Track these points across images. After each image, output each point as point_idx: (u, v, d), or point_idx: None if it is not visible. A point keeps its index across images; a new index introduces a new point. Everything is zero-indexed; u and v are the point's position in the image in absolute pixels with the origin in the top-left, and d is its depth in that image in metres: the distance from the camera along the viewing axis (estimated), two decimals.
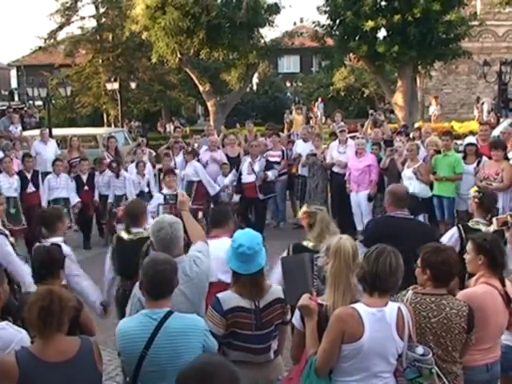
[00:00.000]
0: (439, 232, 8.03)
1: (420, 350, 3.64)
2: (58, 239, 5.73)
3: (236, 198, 11.71)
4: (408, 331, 3.63)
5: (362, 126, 14.76)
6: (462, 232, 5.77)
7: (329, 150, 12.24)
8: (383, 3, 19.72)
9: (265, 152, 12.47)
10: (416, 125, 18.14)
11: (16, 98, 46.40)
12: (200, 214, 7.51)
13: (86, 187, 11.87)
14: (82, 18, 32.93)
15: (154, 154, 14.08)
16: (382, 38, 20.17)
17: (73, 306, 3.42)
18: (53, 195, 11.42)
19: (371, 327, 3.51)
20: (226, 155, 12.52)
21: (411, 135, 13.01)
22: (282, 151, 12.66)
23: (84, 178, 11.94)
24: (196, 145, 13.57)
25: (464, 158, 10.30)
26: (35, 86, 22.42)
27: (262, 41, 22.90)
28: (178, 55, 21.66)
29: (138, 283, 3.92)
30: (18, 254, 6.13)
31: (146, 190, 11.88)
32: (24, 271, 5.69)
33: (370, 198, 11.37)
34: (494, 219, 5.88)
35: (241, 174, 11.51)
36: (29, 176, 11.43)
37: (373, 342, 3.52)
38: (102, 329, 5.54)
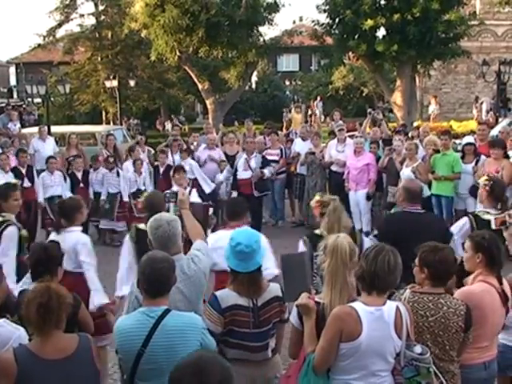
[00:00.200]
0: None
1: (418, 349, 3.64)
2: (76, 229, 5.83)
3: (234, 194, 11.72)
4: (406, 330, 3.63)
5: (361, 124, 14.77)
6: (473, 222, 5.80)
7: (327, 149, 12.24)
8: (382, 2, 19.71)
9: (263, 150, 12.48)
10: (415, 124, 18.14)
11: (15, 95, 46.38)
12: (210, 210, 7.51)
13: (81, 184, 11.80)
14: (81, 16, 32.93)
15: (153, 151, 14.07)
16: (381, 36, 20.17)
17: (70, 303, 3.41)
18: (48, 193, 11.35)
19: (369, 326, 3.52)
20: (225, 153, 12.52)
21: (410, 134, 13.02)
22: (281, 150, 12.66)
23: (79, 175, 11.87)
24: (195, 143, 13.57)
25: (462, 157, 10.32)
26: (34, 84, 22.33)
27: (262, 39, 22.88)
28: (177, 53, 21.64)
29: (135, 281, 3.92)
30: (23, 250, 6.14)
31: (143, 188, 11.86)
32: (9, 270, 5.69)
33: (368, 197, 11.39)
34: (492, 219, 5.88)
35: (236, 171, 11.53)
36: (23, 171, 11.47)
37: (371, 341, 3.52)
38: None
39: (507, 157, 9.67)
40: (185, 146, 12.73)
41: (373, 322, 3.53)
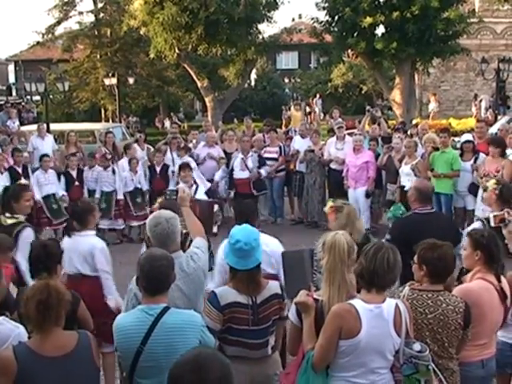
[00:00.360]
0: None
1: (417, 346, 3.65)
2: (90, 233, 5.83)
3: (232, 193, 11.78)
4: (405, 328, 3.64)
5: (360, 122, 14.76)
6: (486, 226, 5.83)
7: (327, 147, 12.25)
8: (382, 0, 19.71)
9: (262, 148, 12.49)
10: (414, 122, 18.14)
11: (14, 92, 46.32)
12: (216, 207, 7.48)
13: (76, 183, 11.70)
14: (80, 13, 32.89)
15: (153, 149, 14.05)
16: (380, 34, 20.20)
17: (69, 300, 3.41)
18: (43, 192, 11.27)
19: (368, 323, 3.52)
20: (224, 151, 12.52)
21: (409, 132, 13.02)
22: (280, 147, 12.65)
23: (73, 173, 11.75)
24: (194, 141, 13.56)
25: (461, 155, 10.30)
26: (33, 81, 22.32)
27: (261, 37, 22.89)
28: (176, 51, 21.62)
29: (134, 278, 3.92)
30: None
31: (139, 186, 11.87)
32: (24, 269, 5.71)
33: (367, 195, 11.39)
34: (491, 215, 5.90)
35: (232, 170, 11.53)
36: (19, 170, 11.46)
37: (370, 338, 3.52)
38: None
39: (504, 155, 9.64)
40: (183, 144, 12.73)
41: (372, 319, 3.53)
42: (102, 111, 33.99)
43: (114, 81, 29.44)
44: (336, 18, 20.46)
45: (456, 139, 11.83)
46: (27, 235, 5.76)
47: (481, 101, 28.24)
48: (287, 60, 49.42)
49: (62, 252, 4.82)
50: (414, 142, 10.83)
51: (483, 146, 10.35)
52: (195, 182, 10.84)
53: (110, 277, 5.74)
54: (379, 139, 12.26)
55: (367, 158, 11.36)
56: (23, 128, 19.53)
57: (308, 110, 34.90)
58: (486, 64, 24.55)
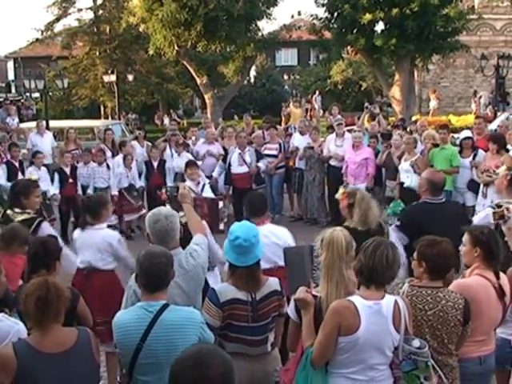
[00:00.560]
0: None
1: (416, 342, 3.65)
2: (102, 226, 5.83)
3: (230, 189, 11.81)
4: (404, 324, 3.64)
5: (359, 119, 14.77)
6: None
7: (326, 143, 12.23)
8: None
9: (262, 145, 12.49)
10: (413, 118, 18.16)
11: (13, 89, 46.31)
12: (220, 204, 7.42)
13: (70, 180, 11.65)
14: (79, 10, 32.89)
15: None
16: (379, 31, 20.16)
17: (68, 297, 3.41)
18: None
19: (367, 320, 3.52)
20: (224, 148, 12.52)
21: (408, 129, 13.01)
22: (280, 144, 12.64)
23: (67, 170, 11.70)
24: (193, 137, 13.56)
25: (460, 151, 10.29)
26: (32, 78, 22.31)
27: (260, 33, 22.87)
28: (176, 47, 21.58)
29: (133, 275, 3.92)
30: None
31: (133, 182, 11.88)
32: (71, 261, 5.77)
33: (367, 191, 11.36)
34: (490, 212, 5.89)
35: (230, 165, 11.53)
36: (17, 164, 11.54)
37: (369, 335, 3.53)
38: None
39: (507, 151, 9.63)
40: (181, 140, 12.74)
41: (371, 315, 3.54)
42: (102, 108, 33.96)
43: (113, 78, 29.40)
44: (335, 14, 20.42)
45: (455, 136, 11.83)
46: (46, 227, 5.87)
47: (480, 97, 28.23)
48: (286, 57, 49.41)
49: (61, 249, 4.82)
50: (414, 139, 10.82)
51: (482, 143, 10.35)
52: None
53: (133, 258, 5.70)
54: (379, 136, 12.26)
55: (366, 155, 11.35)
56: (22, 125, 19.57)
57: (307, 106, 34.87)
58: (485, 60, 24.54)
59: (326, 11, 20.70)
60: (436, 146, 10.39)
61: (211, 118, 19.44)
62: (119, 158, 12.08)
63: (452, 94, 34.00)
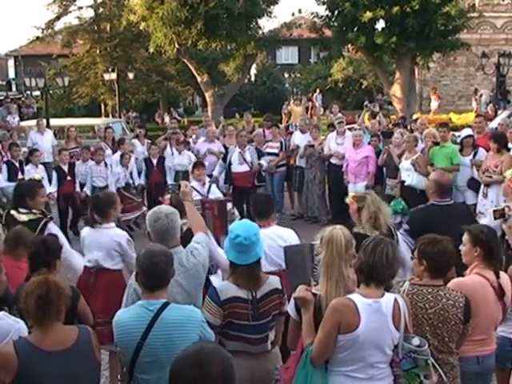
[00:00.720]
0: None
1: (416, 341, 3.65)
2: (111, 225, 5.80)
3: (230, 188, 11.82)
4: (404, 322, 3.64)
5: (360, 117, 14.75)
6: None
7: (326, 142, 12.23)
8: None
9: (264, 143, 12.48)
10: (414, 116, 18.13)
11: (13, 88, 46.25)
12: (229, 205, 7.33)
13: (68, 177, 11.62)
14: (80, 8, 32.83)
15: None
16: (380, 29, 20.16)
17: (68, 295, 3.42)
18: None
19: (367, 318, 3.52)
20: (224, 146, 12.51)
21: (409, 127, 13.00)
22: (281, 142, 12.63)
23: (65, 168, 11.67)
24: (194, 136, 13.56)
25: (460, 150, 10.28)
26: (33, 76, 22.35)
27: (260, 32, 22.86)
28: (176, 46, 21.58)
29: (134, 273, 3.92)
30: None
31: (131, 181, 11.88)
32: (77, 260, 5.78)
33: (367, 190, 11.37)
34: (490, 211, 5.89)
35: (230, 164, 11.53)
36: (17, 164, 11.53)
37: (369, 333, 3.53)
38: None
39: (508, 150, 9.62)
40: (182, 139, 12.74)
41: (371, 313, 3.54)
42: (102, 106, 33.94)
43: (113, 76, 29.39)
44: (336, 12, 20.41)
45: (456, 134, 11.82)
46: (52, 228, 5.88)
47: (481, 95, 28.20)
48: (287, 55, 49.34)
49: (61, 247, 4.82)
50: (414, 137, 10.81)
51: (482, 141, 10.34)
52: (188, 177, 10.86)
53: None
54: (379, 134, 12.25)
55: (367, 153, 11.34)
56: (23, 123, 19.54)
57: (308, 104, 34.84)
58: (486, 58, 24.56)
59: (326, 9, 20.70)
60: (437, 144, 10.38)
61: (212, 116, 19.45)
62: (117, 156, 12.09)
63: (453, 92, 33.98)
